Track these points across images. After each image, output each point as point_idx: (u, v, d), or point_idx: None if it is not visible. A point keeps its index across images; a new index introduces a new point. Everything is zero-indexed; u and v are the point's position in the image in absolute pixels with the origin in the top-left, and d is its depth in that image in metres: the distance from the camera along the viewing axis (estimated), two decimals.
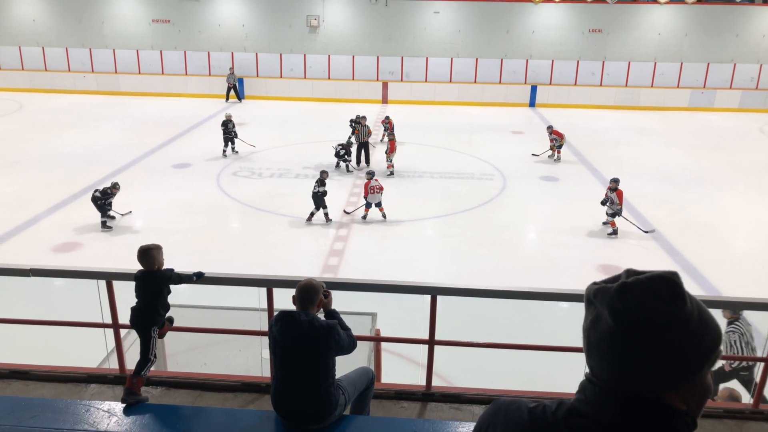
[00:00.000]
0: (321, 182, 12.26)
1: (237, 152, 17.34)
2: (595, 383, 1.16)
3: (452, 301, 4.12)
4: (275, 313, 3.40)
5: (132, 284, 3.91)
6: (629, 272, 1.15)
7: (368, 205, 12.54)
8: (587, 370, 1.20)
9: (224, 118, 17.20)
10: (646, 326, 1.07)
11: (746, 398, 4.21)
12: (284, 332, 3.26)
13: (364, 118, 17.03)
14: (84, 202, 12.65)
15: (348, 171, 16.02)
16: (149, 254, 3.80)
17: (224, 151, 17.12)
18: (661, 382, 1.09)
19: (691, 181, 15.75)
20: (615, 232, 12.07)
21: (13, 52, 27.26)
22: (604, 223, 12.27)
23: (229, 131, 17.02)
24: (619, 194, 11.99)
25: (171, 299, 3.92)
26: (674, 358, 1.07)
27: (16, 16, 26.93)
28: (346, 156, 15.95)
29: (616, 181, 12.18)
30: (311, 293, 3.34)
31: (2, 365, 4.34)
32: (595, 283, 1.18)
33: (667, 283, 1.09)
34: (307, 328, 3.24)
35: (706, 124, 23.46)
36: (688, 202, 14.21)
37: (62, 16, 26.87)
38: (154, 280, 3.77)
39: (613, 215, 12.06)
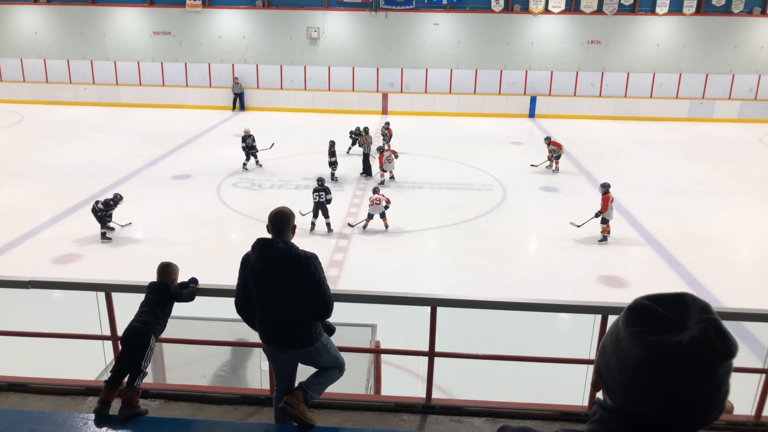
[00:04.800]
0: (327, 190, 12.26)
1: (261, 165, 17.26)
2: (622, 415, 1.14)
3: (452, 313, 4.11)
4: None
5: (132, 296, 3.90)
6: (670, 311, 1.11)
7: (369, 216, 12.56)
8: (601, 398, 1.18)
9: (243, 134, 17.09)
10: (722, 372, 1.07)
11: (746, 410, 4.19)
12: (262, 258, 3.35)
13: (366, 129, 17.20)
14: (84, 213, 12.65)
15: (333, 179, 15.91)
16: (170, 269, 3.90)
17: (245, 164, 17.02)
18: (702, 417, 1.10)
19: (692, 192, 15.75)
20: (604, 239, 12.10)
21: (15, 64, 27.40)
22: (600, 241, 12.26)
23: (249, 146, 16.93)
24: (605, 199, 12.06)
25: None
26: (721, 395, 1.09)
27: (18, 29, 27.09)
28: (335, 165, 15.99)
29: (602, 185, 12.36)
30: (282, 219, 3.43)
31: (0, 378, 4.32)
32: (645, 333, 1.09)
33: (718, 327, 1.08)
34: (284, 255, 3.34)
35: (706, 134, 23.52)
36: (689, 212, 14.20)
37: (64, 29, 27.03)
38: (168, 294, 3.80)
39: (602, 221, 12.11)
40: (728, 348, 1.06)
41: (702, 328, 1.07)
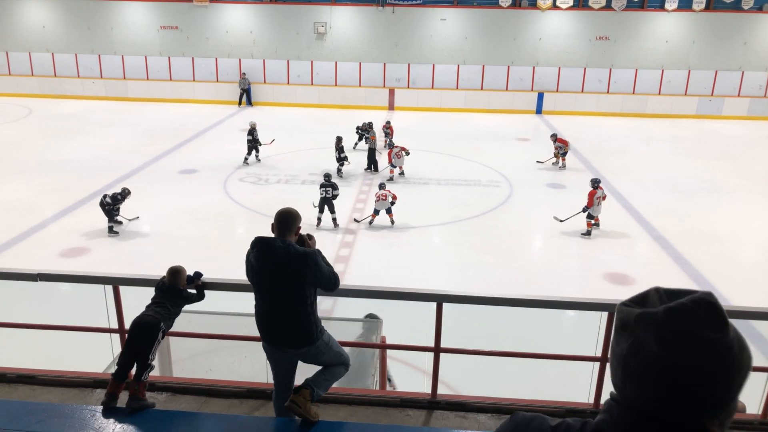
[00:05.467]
0: (334, 186, 12.26)
1: (260, 160, 17.26)
2: (625, 406, 1.13)
3: (458, 309, 4.11)
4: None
5: (139, 289, 3.93)
6: (663, 293, 1.12)
7: (376, 212, 12.57)
8: (613, 391, 1.18)
9: (249, 127, 17.12)
10: (694, 353, 1.05)
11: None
12: (260, 257, 3.35)
13: (371, 124, 17.22)
14: (92, 207, 12.71)
15: (339, 175, 15.87)
16: (180, 275, 3.92)
17: (246, 158, 17.03)
18: (705, 409, 1.07)
19: (699, 190, 15.67)
20: (587, 233, 12.12)
21: (23, 57, 27.51)
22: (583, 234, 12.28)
23: (254, 139, 16.93)
24: (590, 194, 12.15)
25: None
26: (720, 384, 1.06)
27: (26, 23, 27.19)
28: (344, 160, 15.99)
29: (591, 181, 12.51)
30: (289, 220, 3.42)
31: (9, 370, 4.35)
32: (626, 305, 1.14)
33: (712, 308, 1.07)
34: (282, 254, 3.31)
35: (714, 132, 23.37)
36: (696, 210, 14.13)
37: (72, 23, 27.11)
38: (180, 297, 3.86)
39: (588, 216, 12.11)
40: (711, 312, 1.07)
41: (675, 301, 1.08)
